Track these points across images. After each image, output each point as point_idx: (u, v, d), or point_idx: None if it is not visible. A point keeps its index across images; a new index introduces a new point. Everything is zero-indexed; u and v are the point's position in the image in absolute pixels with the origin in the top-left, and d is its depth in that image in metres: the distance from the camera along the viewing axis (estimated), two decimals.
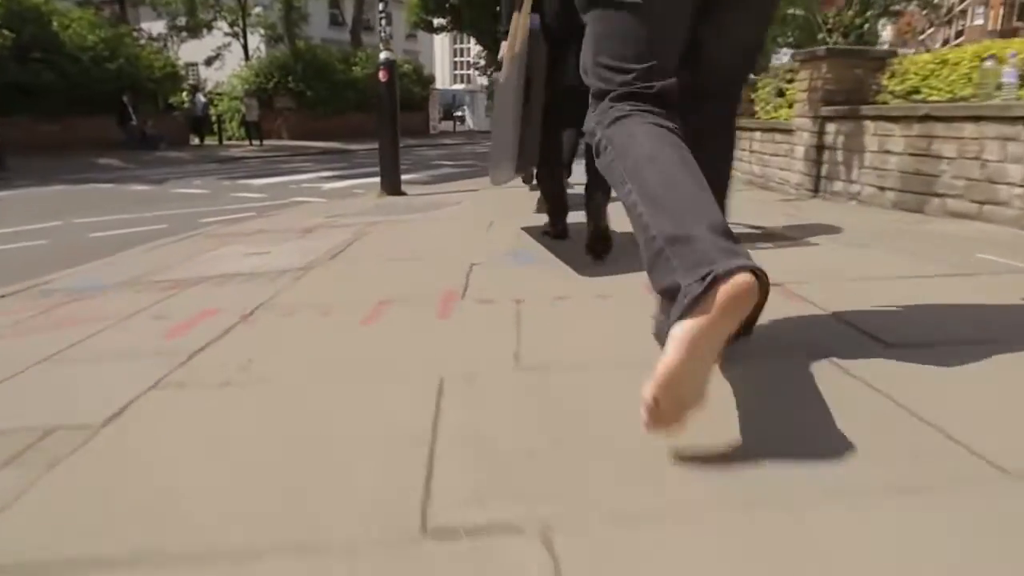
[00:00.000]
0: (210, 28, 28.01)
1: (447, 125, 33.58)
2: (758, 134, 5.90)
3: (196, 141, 20.79)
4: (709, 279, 1.02)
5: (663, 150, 1.26)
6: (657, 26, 1.35)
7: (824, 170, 4.69)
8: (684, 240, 1.11)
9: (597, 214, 2.64)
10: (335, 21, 38.08)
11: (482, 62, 38.56)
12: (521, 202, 5.12)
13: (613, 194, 1.88)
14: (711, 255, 1.07)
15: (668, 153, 1.26)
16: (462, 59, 51.38)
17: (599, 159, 1.38)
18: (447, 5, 33.99)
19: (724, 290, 1.02)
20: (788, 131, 5.18)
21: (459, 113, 36.69)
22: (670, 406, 1.02)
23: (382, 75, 6.23)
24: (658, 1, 1.33)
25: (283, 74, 22.43)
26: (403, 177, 6.69)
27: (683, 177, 1.22)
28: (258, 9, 28.09)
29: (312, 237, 3.82)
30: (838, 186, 4.56)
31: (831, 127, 4.61)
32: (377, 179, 6.61)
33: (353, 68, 24.55)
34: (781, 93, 5.62)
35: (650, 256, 1.18)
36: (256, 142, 20.17)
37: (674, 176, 1.22)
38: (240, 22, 26.63)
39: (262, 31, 28.92)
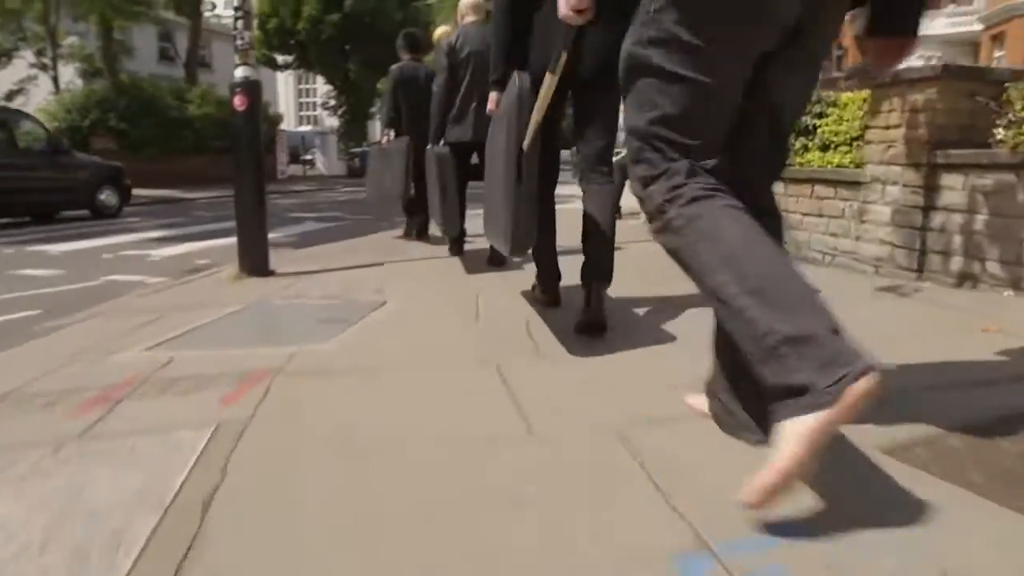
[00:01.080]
0: (10, 57, 24.01)
1: (295, 169, 31.01)
2: (781, 186, 4.58)
3: None
4: (844, 380, 1.10)
5: (756, 239, 1.28)
6: (718, 103, 1.36)
7: (935, 241, 3.36)
8: (806, 340, 1.15)
9: (599, 306, 2.62)
10: (166, 55, 34.52)
11: (332, 102, 36.43)
12: (466, 279, 3.46)
13: None
14: (841, 356, 1.13)
15: (763, 243, 1.28)
16: (308, 99, 48.71)
17: (669, 236, 1.37)
18: (292, 42, 31.80)
19: (855, 389, 1.10)
20: (852, 183, 3.86)
21: (309, 156, 34.18)
22: (780, 491, 1.14)
23: (238, 101, 4.33)
24: (722, 78, 1.34)
25: (102, 110, 19.23)
26: None
27: (786, 271, 1.25)
28: (72, 39, 24.49)
29: (94, 455, 1.88)
30: (971, 266, 3.25)
31: (952, 180, 3.32)
32: (226, 240, 4.71)
33: (187, 105, 21.69)
34: (807, 131, 4.33)
35: (761, 352, 1.20)
36: None
37: (778, 270, 1.25)
38: (49, 51, 22.96)
39: (77, 63, 25.25)
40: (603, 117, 2.67)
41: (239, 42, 4.38)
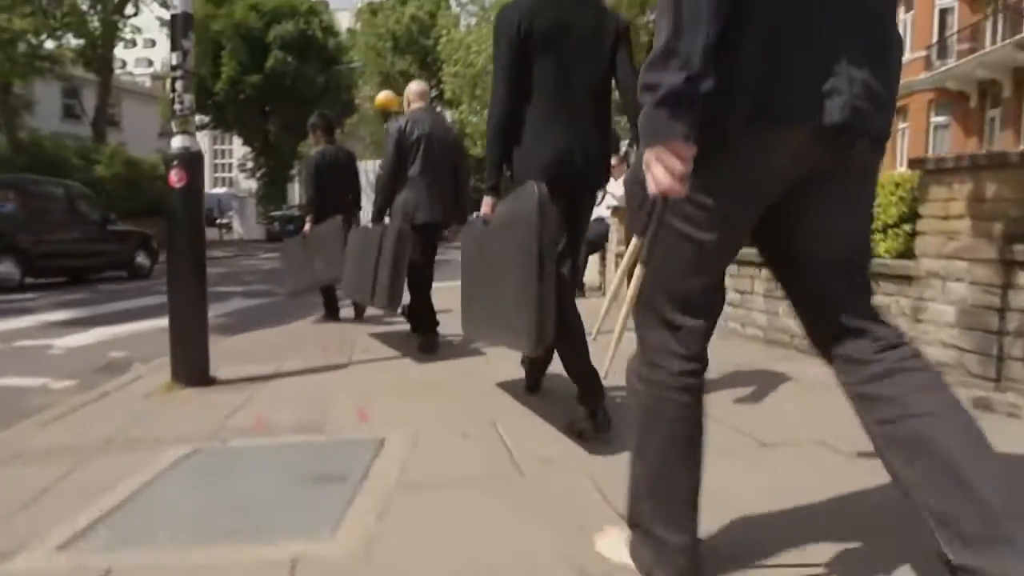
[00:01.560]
0: None
1: (211, 232, 29.51)
2: (764, 271, 4.12)
3: None
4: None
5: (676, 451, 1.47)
6: (716, 256, 1.45)
7: (1015, 346, 2.90)
8: (661, 543, 1.48)
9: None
10: (71, 112, 32.67)
11: (249, 164, 35.29)
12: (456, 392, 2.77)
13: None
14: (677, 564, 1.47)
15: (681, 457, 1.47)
16: (223, 160, 47.15)
17: (632, 394, 1.53)
18: (210, 102, 30.68)
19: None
20: (900, 278, 3.40)
21: (225, 220, 32.67)
22: None
23: (175, 176, 3.60)
24: (741, 222, 1.41)
25: None
26: None
27: (680, 481, 1.47)
28: None
29: None
30: None
31: None
32: (143, 325, 4.01)
33: (95, 166, 20.26)
34: None
35: (633, 515, 1.54)
36: None
37: (675, 479, 1.47)
38: None
39: None
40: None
41: (178, 106, 3.66)
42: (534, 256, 2.25)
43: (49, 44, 20.57)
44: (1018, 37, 17.35)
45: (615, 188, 7.49)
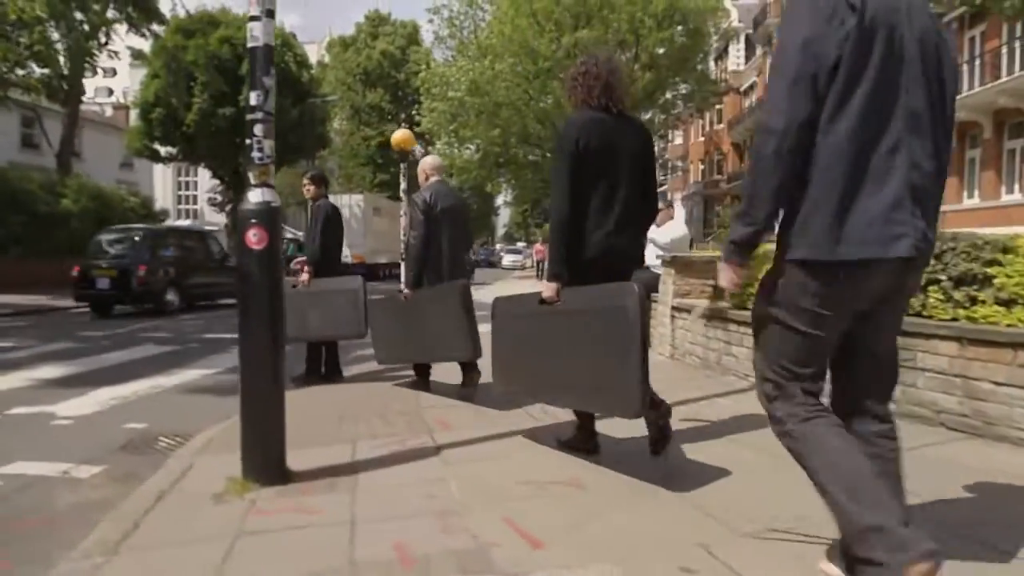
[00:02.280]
0: None
1: None
2: (956, 346, 3.68)
3: None
4: (906, 561, 1.65)
5: (851, 450, 1.85)
6: (823, 346, 1.92)
7: None
8: (880, 529, 1.70)
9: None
10: (29, 142, 31.38)
11: (218, 197, 34.22)
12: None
13: None
14: (907, 544, 1.67)
15: (855, 453, 1.84)
16: (188, 192, 45.83)
17: (787, 440, 1.93)
18: (179, 133, 29.68)
19: (913, 569, 1.63)
20: None
21: None
22: None
23: (254, 237, 3.03)
24: (829, 333, 1.89)
25: None
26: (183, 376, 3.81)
27: (872, 475, 1.79)
28: None
29: None
30: None
31: None
32: (148, 385, 4.50)
33: (62, 200, 19.24)
34: (973, 279, 3.51)
35: (851, 534, 1.78)
36: None
37: (865, 474, 1.79)
38: None
39: None
40: None
41: (257, 154, 3.10)
42: (638, 341, 2.76)
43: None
44: (1000, 82, 17.70)
45: (659, 235, 7.09)
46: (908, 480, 2.02)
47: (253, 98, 3.07)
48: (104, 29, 21.00)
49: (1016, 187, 18.33)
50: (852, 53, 1.73)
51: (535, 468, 3.29)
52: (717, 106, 38.14)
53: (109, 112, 42.90)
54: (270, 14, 3.06)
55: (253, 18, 3.04)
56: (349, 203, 29.44)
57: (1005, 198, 18.64)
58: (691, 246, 8.64)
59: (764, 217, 1.82)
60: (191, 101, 27.76)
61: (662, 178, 54.12)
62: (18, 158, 27.36)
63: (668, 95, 30.80)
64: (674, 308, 6.43)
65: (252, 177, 3.10)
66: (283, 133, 29.79)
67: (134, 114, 34.85)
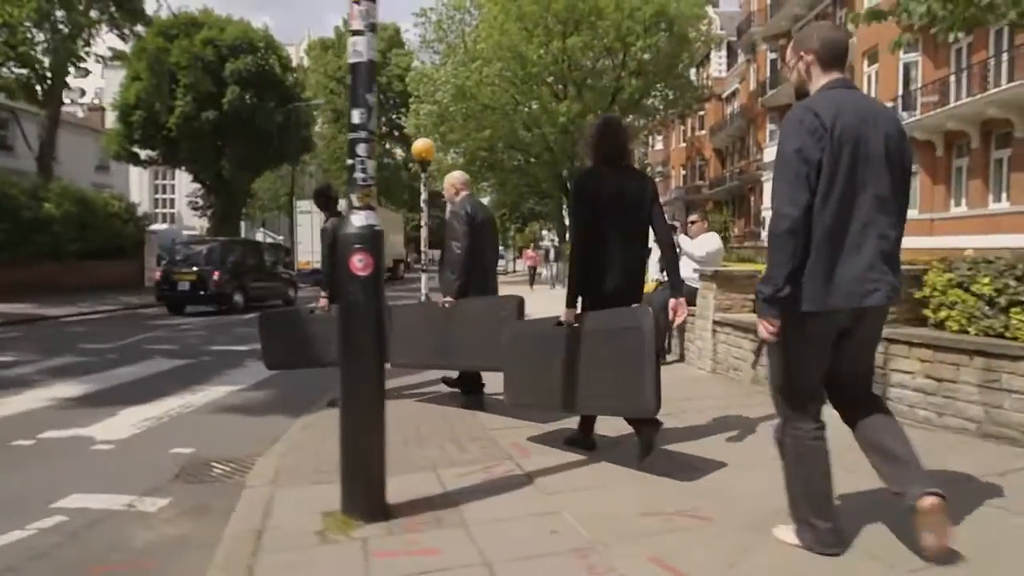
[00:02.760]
0: None
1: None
2: (978, 360, 3.64)
3: None
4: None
5: (826, 473, 2.54)
6: (818, 368, 2.54)
7: None
8: (813, 527, 2.53)
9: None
10: (2, 144, 30.52)
11: (199, 201, 33.65)
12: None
13: None
14: (829, 540, 2.50)
15: (826, 477, 2.54)
16: (165, 195, 45.01)
17: (788, 445, 2.58)
18: (160, 136, 29.08)
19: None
20: None
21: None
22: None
23: (360, 263, 2.89)
24: (824, 355, 2.51)
25: None
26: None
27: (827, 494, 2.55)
28: None
29: None
30: None
31: None
32: (174, 403, 4.93)
33: (44, 205, 18.72)
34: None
35: (795, 519, 2.60)
36: None
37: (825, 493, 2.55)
38: None
39: None
40: None
41: (360, 175, 2.93)
42: (652, 355, 3.29)
43: None
44: (988, 93, 18.00)
45: (694, 248, 7.03)
46: (999, 500, 2.63)
47: (356, 116, 2.90)
48: (87, 30, 20.47)
49: (1003, 195, 18.64)
50: (829, 158, 2.36)
51: (644, 497, 3.19)
52: (700, 112, 38.51)
53: (81, 113, 41.95)
54: (372, 28, 2.91)
55: (356, 32, 2.89)
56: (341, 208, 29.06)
57: (992, 206, 18.94)
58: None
59: (783, 278, 2.36)
60: (173, 104, 27.25)
61: None
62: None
63: (651, 100, 30.92)
64: (716, 323, 6.37)
65: (355, 199, 2.94)
66: (265, 136, 29.49)
67: (111, 116, 34.25)
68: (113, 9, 19.05)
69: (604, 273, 3.70)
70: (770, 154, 28.64)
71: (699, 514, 2.95)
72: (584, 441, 4.05)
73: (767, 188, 29.00)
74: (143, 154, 31.14)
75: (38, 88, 20.86)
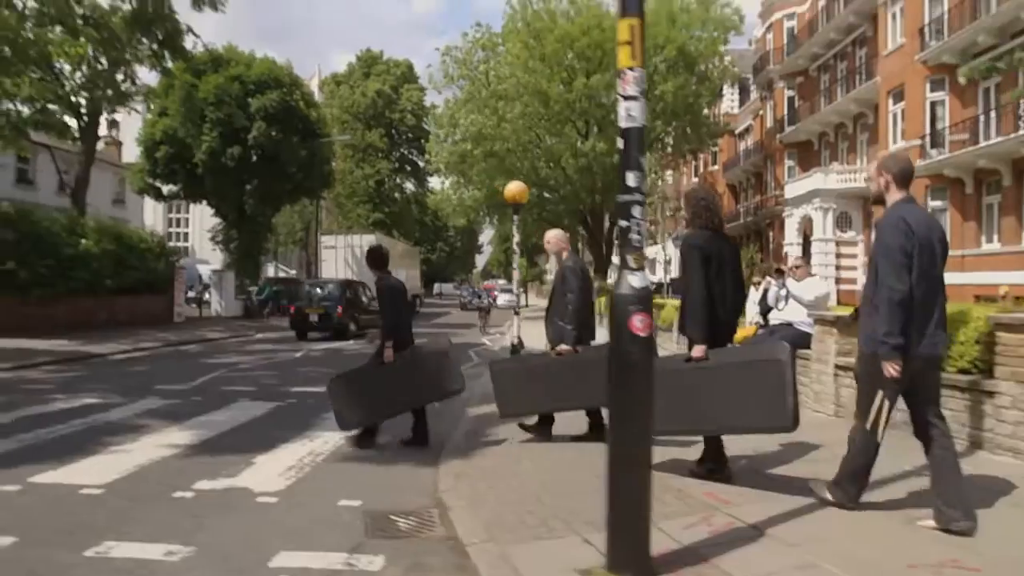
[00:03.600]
0: None
1: (191, 309, 27.66)
2: None
3: None
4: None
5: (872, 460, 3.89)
6: (897, 394, 3.71)
7: None
8: (846, 492, 3.93)
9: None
10: (24, 178, 30.65)
11: (220, 235, 33.59)
12: None
13: None
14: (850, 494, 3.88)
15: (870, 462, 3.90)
16: (179, 229, 45.15)
17: (861, 439, 3.78)
18: (183, 170, 29.18)
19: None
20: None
21: (194, 294, 30.79)
22: None
23: (639, 324, 2.90)
24: (903, 386, 3.66)
25: None
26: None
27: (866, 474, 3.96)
28: None
29: None
30: None
31: None
32: (302, 449, 5.17)
33: (82, 241, 18.74)
34: None
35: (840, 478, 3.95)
36: None
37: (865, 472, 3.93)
38: None
39: None
40: None
41: (635, 236, 2.95)
42: (793, 381, 4.07)
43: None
44: (1021, 133, 18.23)
45: (803, 292, 7.07)
46: None
47: (631, 179, 2.94)
48: (126, 67, 20.71)
49: None
50: (916, 254, 3.54)
51: (893, 546, 3.20)
52: (712, 148, 38.96)
53: (100, 146, 42.15)
54: (644, 94, 2.96)
55: (629, 97, 2.94)
56: (360, 243, 29.15)
57: None
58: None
59: (899, 334, 3.46)
60: (201, 139, 27.43)
61: (652, 217, 54.76)
62: (12, 195, 26.54)
63: (669, 138, 31.20)
64: (838, 367, 6.37)
65: (631, 261, 2.96)
66: (290, 172, 29.66)
67: (131, 150, 34.42)
68: (155, 47, 19.23)
69: (718, 318, 4.51)
70: (792, 190, 28.91)
71: (961, 564, 2.95)
72: (720, 466, 4.66)
73: (790, 224, 29.21)
74: (165, 189, 31.28)
75: (74, 124, 20.99)
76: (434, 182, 50.50)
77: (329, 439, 6.44)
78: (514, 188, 8.96)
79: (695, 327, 4.46)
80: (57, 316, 17.76)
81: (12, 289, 16.38)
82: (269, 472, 5.28)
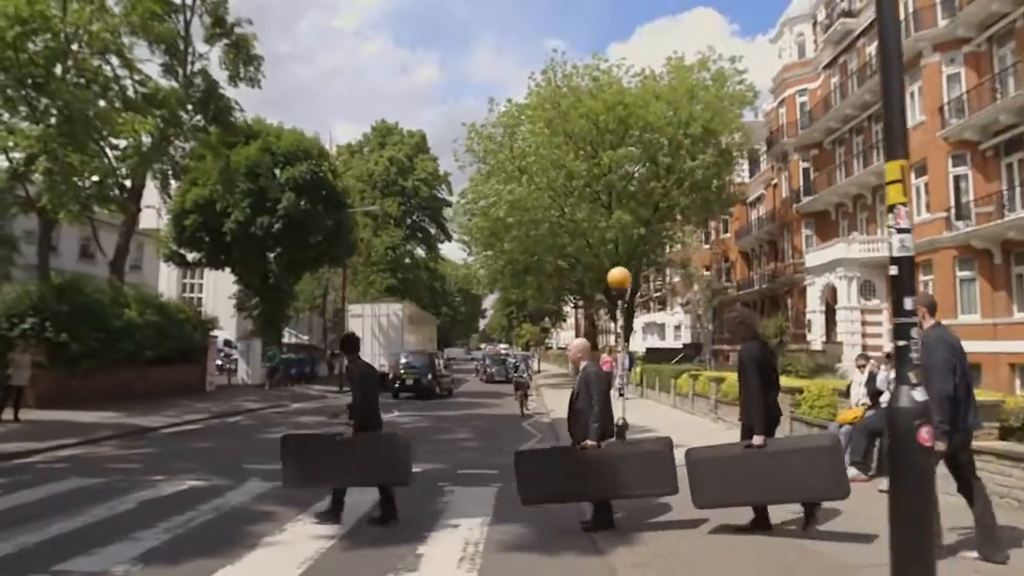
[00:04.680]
0: None
1: (222, 379, 27.47)
2: None
3: None
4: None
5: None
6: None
7: None
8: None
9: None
10: (86, 253, 30.87)
11: (242, 303, 33.58)
12: None
13: None
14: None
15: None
16: (193, 295, 45.22)
17: (973, 485, 5.28)
18: (208, 239, 29.47)
19: None
20: None
21: (222, 363, 30.62)
22: None
23: (927, 434, 3.02)
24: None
25: (40, 317, 16.04)
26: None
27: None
28: None
29: None
30: None
31: None
32: (463, 537, 5.21)
33: (126, 312, 18.83)
34: None
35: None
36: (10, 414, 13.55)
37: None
38: None
39: None
40: None
41: (915, 355, 3.14)
42: (845, 461, 6.54)
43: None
44: None
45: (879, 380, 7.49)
46: None
47: (908, 303, 3.15)
48: (169, 141, 21.21)
49: None
50: (955, 361, 4.94)
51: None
52: (724, 217, 39.71)
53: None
54: (910, 229, 3.18)
55: (903, 231, 3.17)
56: (388, 312, 29.34)
57: None
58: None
59: (948, 423, 4.64)
60: (228, 209, 27.81)
61: (659, 282, 55.27)
62: (77, 268, 26.74)
63: (683, 208, 31.69)
64: None
65: (911, 376, 3.18)
66: (315, 241, 30.01)
67: (147, 216, 34.79)
68: (204, 121, 19.78)
69: (773, 411, 6.02)
70: (813, 259, 29.37)
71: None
72: (764, 522, 5.96)
73: (812, 292, 29.55)
74: (190, 256, 31.52)
75: (118, 197, 21.34)
76: (445, 249, 51.03)
77: (465, 524, 6.48)
78: (618, 274, 9.17)
79: (758, 421, 5.82)
80: (100, 387, 17.71)
81: (63, 362, 16.36)
82: (443, 565, 5.27)
